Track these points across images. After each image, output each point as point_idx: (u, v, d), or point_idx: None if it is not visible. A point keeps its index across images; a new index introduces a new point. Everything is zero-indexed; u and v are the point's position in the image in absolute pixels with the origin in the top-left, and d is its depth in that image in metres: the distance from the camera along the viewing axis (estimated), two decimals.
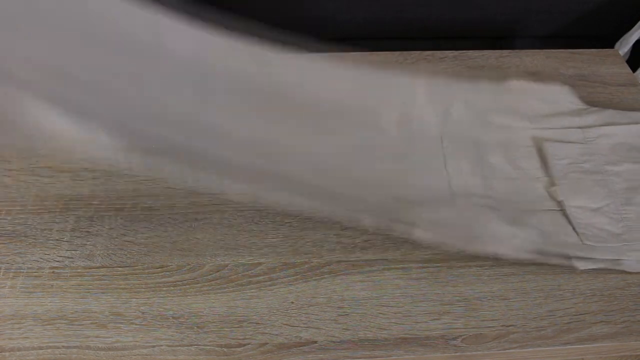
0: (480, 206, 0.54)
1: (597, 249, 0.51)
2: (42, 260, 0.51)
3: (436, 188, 0.55)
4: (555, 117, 0.63)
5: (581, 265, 0.50)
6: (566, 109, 0.64)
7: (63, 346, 0.46)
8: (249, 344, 0.46)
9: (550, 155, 0.58)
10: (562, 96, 0.65)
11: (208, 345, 0.46)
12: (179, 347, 0.46)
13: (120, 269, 0.51)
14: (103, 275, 0.50)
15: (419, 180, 0.56)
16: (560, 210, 0.55)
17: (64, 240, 0.53)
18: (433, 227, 0.51)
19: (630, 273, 0.51)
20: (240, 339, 0.46)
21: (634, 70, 0.72)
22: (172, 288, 0.49)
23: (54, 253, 0.52)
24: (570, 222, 0.53)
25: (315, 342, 0.46)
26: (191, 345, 0.46)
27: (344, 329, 0.47)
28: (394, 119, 0.60)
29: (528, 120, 0.62)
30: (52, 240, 0.52)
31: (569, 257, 0.51)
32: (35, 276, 0.50)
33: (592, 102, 0.66)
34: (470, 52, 0.73)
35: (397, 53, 0.73)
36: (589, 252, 0.51)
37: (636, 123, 0.62)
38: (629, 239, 0.52)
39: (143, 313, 0.48)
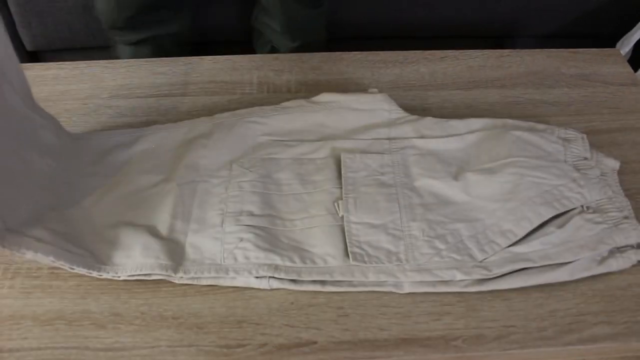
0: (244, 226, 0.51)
1: (363, 270, 0.49)
2: None
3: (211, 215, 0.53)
4: (364, 129, 0.60)
5: (333, 287, 0.48)
6: (379, 119, 0.61)
7: (62, 347, 0.45)
8: (248, 344, 0.46)
9: (345, 167, 0.56)
10: (377, 105, 0.61)
11: (208, 346, 0.46)
12: (179, 348, 0.46)
13: None
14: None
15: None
16: (340, 225, 0.51)
17: None
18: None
19: (633, 273, 0.50)
20: (240, 340, 0.46)
21: (635, 69, 0.72)
22: (171, 289, 0.49)
23: None
24: (345, 239, 0.50)
25: (315, 342, 0.46)
26: (191, 346, 0.46)
27: (344, 329, 0.47)
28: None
29: (333, 134, 0.60)
30: None
31: (323, 282, 0.49)
32: (34, 277, 0.50)
33: (594, 102, 0.66)
34: (471, 52, 0.73)
35: (397, 53, 0.72)
36: (350, 274, 0.48)
37: (450, 135, 0.59)
38: (405, 259, 0.49)
39: (142, 313, 0.48)
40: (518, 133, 0.57)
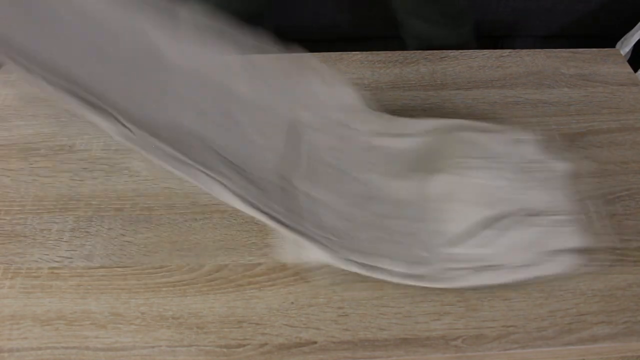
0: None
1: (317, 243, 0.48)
2: (41, 260, 0.51)
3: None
4: (323, 108, 0.58)
5: (287, 257, 0.48)
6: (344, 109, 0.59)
7: (62, 347, 0.45)
8: (248, 344, 0.46)
9: (301, 138, 0.54)
10: (347, 97, 0.60)
11: (208, 346, 0.46)
12: (179, 348, 0.46)
13: (119, 269, 0.50)
14: (102, 276, 0.50)
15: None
16: (292, 192, 0.50)
17: (63, 240, 0.52)
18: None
19: (633, 273, 0.50)
20: (240, 340, 0.46)
21: (635, 70, 0.72)
22: (171, 288, 0.49)
23: (53, 253, 0.51)
24: (299, 209, 0.49)
25: (315, 342, 0.46)
26: (191, 346, 0.46)
27: (344, 329, 0.47)
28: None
29: (300, 104, 0.57)
30: (51, 240, 0.52)
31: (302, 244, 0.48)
32: (34, 276, 0.50)
33: (594, 102, 0.66)
34: (471, 52, 0.73)
35: (397, 53, 0.72)
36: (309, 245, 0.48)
37: (404, 135, 0.59)
38: (351, 239, 0.49)
39: (142, 313, 0.48)
40: (466, 134, 0.56)
